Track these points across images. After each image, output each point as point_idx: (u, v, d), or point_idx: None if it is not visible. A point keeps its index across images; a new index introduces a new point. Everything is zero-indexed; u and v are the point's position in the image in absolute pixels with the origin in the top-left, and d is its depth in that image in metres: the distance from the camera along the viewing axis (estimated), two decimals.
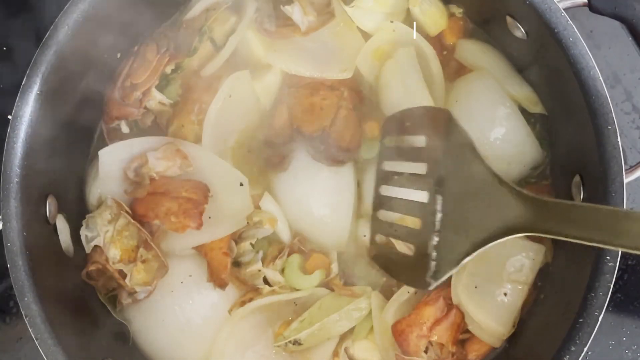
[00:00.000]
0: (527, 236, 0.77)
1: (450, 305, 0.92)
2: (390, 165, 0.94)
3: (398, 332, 0.90)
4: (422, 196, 0.86)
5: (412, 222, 0.88)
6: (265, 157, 1.00)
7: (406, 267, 0.87)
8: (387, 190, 0.93)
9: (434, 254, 0.81)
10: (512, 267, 0.91)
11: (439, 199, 0.82)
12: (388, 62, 0.99)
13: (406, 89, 0.96)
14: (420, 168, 0.87)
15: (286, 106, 0.99)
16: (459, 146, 0.82)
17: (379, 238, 0.94)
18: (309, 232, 0.99)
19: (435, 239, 0.81)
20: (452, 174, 0.82)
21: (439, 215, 0.82)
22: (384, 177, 0.94)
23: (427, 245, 0.81)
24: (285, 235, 0.98)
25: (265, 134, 1.01)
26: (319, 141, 0.97)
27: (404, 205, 0.89)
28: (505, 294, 0.91)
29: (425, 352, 0.90)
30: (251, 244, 0.96)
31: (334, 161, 0.97)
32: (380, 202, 0.94)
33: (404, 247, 0.92)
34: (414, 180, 0.88)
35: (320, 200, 0.97)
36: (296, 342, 0.93)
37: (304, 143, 0.98)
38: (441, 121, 0.85)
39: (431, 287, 0.82)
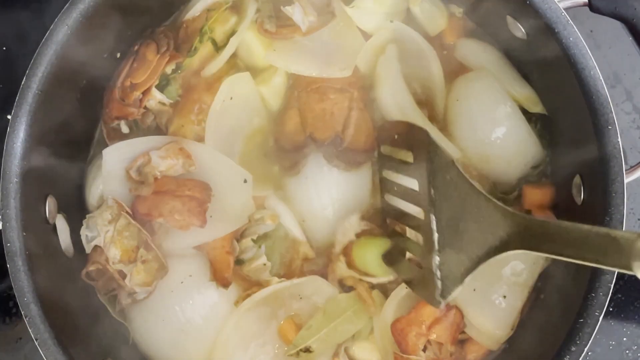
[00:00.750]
0: None
1: (449, 305, 0.92)
2: (388, 175, 0.94)
3: (397, 331, 0.90)
4: (418, 212, 0.86)
5: (416, 236, 0.88)
6: (277, 162, 0.99)
7: (420, 282, 0.87)
8: (391, 200, 0.93)
9: (438, 272, 0.81)
10: (512, 271, 0.91)
11: (433, 219, 0.82)
12: (380, 58, 0.99)
13: (391, 85, 0.97)
14: (412, 184, 0.87)
15: (296, 111, 0.99)
16: (442, 167, 0.82)
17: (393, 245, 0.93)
18: (324, 236, 0.98)
19: (437, 259, 0.81)
20: (441, 194, 0.82)
21: (435, 235, 0.82)
22: (386, 186, 0.94)
23: (431, 264, 0.82)
24: (299, 236, 0.97)
25: (276, 139, 1.00)
26: (334, 146, 0.96)
27: (407, 218, 0.90)
28: (504, 297, 0.91)
29: (424, 351, 0.90)
30: (252, 239, 0.96)
31: (352, 164, 0.96)
32: (388, 210, 0.94)
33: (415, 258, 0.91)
34: (411, 194, 0.88)
35: (335, 203, 0.96)
36: (307, 350, 0.93)
37: (318, 148, 0.97)
38: (423, 141, 0.85)
39: (441, 306, 0.83)
